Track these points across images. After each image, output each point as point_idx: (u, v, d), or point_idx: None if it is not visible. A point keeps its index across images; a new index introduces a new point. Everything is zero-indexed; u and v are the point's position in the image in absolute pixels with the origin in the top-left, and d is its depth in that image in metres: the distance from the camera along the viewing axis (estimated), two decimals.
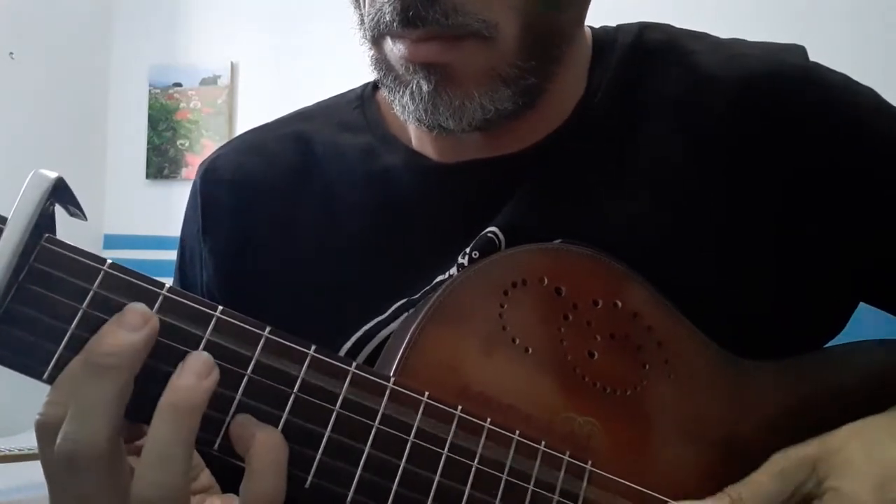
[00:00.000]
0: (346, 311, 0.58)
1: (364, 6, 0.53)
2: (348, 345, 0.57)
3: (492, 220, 0.57)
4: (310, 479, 0.43)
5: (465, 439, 0.45)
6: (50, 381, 0.41)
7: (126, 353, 0.40)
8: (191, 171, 3.05)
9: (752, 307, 0.56)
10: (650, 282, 0.53)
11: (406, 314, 0.55)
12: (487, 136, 0.58)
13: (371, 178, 0.62)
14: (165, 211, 3.04)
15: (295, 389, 0.43)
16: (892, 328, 0.63)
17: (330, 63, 2.33)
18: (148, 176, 3.18)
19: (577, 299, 0.51)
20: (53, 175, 0.41)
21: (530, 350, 0.50)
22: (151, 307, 0.42)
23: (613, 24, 0.64)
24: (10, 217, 0.40)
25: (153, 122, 3.17)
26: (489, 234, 0.56)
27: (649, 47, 0.61)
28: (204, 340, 0.42)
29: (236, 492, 0.43)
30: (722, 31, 0.64)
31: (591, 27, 0.63)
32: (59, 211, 0.44)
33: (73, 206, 0.44)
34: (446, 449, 0.45)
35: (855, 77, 0.60)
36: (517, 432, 0.47)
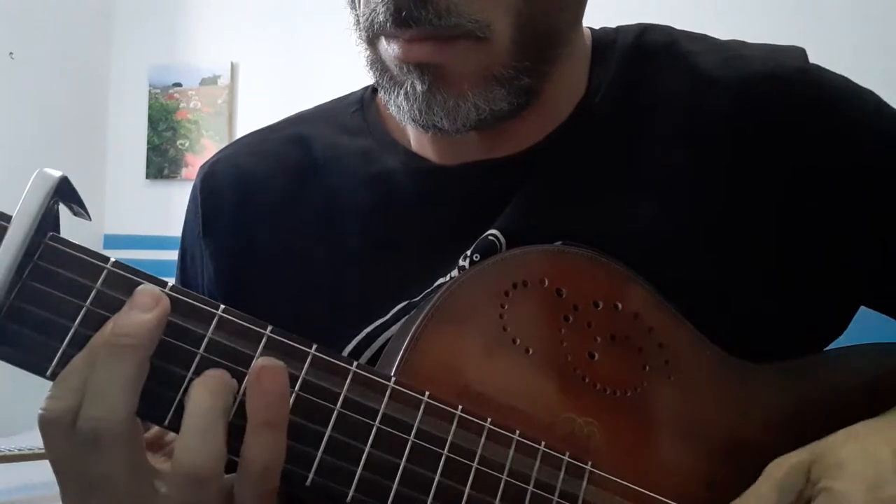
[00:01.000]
0: (346, 314, 0.58)
1: (359, 7, 0.53)
2: (350, 347, 0.57)
3: (492, 222, 0.57)
4: (311, 477, 0.43)
5: (466, 439, 0.45)
6: (54, 377, 0.41)
7: (141, 332, 0.40)
8: (191, 171, 3.05)
9: (752, 309, 0.56)
10: (651, 283, 0.53)
11: (407, 316, 0.55)
12: (488, 138, 0.58)
13: (371, 180, 0.62)
14: (165, 211, 3.04)
15: (296, 388, 0.43)
16: (893, 331, 0.63)
17: (330, 63, 2.33)
18: (148, 176, 3.18)
19: (578, 300, 0.51)
20: (58, 174, 0.42)
21: (531, 351, 0.50)
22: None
23: (613, 25, 0.65)
24: (14, 215, 0.40)
25: (153, 122, 3.18)
26: (490, 237, 0.56)
27: (649, 49, 0.61)
28: (206, 338, 0.43)
29: None
30: (722, 32, 0.64)
31: (590, 28, 0.64)
32: (61, 211, 0.44)
33: (77, 206, 0.44)
34: (446, 448, 0.45)
35: (855, 78, 0.61)
36: (517, 432, 0.47)
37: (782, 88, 0.57)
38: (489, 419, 0.46)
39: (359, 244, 0.61)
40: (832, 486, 0.47)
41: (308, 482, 0.43)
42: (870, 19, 2.19)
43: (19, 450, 2.28)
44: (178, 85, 3.16)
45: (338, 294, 0.60)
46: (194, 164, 3.04)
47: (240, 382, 0.43)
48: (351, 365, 0.45)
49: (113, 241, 3.13)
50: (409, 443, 0.44)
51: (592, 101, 0.60)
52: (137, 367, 0.40)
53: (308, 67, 2.87)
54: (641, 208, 0.57)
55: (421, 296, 0.57)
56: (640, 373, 0.51)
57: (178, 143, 3.14)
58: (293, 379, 0.43)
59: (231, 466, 0.42)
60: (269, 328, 0.44)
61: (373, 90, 0.67)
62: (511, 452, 0.46)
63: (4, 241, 0.40)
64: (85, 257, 0.42)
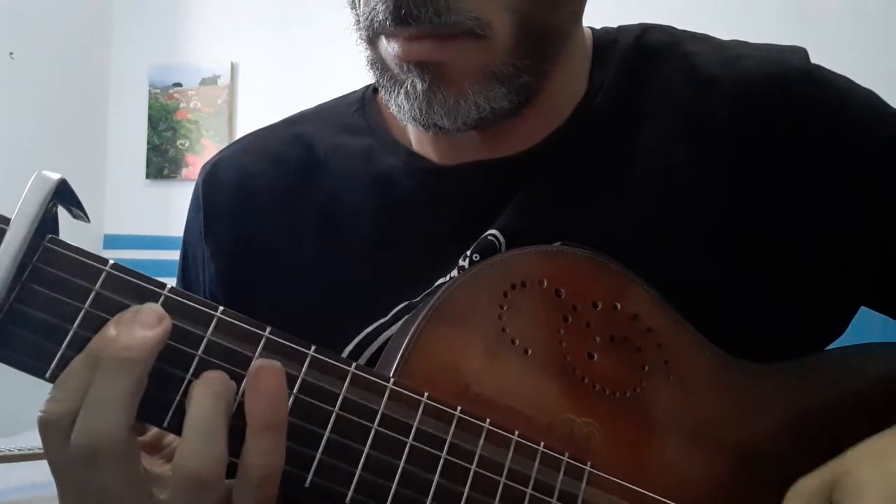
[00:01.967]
0: (347, 314, 0.58)
1: (359, 6, 0.53)
2: (350, 347, 0.57)
3: (492, 222, 0.57)
4: (309, 478, 0.43)
5: (465, 440, 0.45)
6: (52, 379, 0.41)
7: (143, 348, 0.40)
8: (191, 171, 3.05)
9: (752, 310, 0.56)
10: (651, 284, 0.53)
11: (407, 316, 0.55)
12: (488, 138, 0.58)
13: (372, 180, 0.62)
14: (165, 211, 3.05)
15: (295, 390, 0.43)
16: (894, 331, 0.63)
17: (330, 63, 2.33)
18: (148, 176, 3.18)
19: (577, 301, 0.51)
20: (56, 176, 0.42)
21: (530, 351, 0.50)
22: None
23: (614, 25, 0.65)
24: (13, 217, 0.40)
25: (153, 122, 3.18)
26: (490, 237, 0.56)
27: (650, 48, 0.61)
28: (205, 340, 0.43)
29: None
30: (723, 32, 0.64)
31: (591, 28, 0.64)
32: (60, 212, 0.44)
33: (76, 208, 0.44)
34: (445, 450, 0.45)
35: (855, 78, 0.61)
36: (516, 433, 0.47)
37: (783, 89, 0.57)
38: (488, 420, 0.46)
39: (359, 244, 0.61)
40: None
41: (307, 483, 0.43)
42: (870, 19, 2.19)
43: (19, 450, 2.28)
44: (178, 85, 3.16)
45: (338, 294, 0.60)
46: (194, 164, 3.04)
47: (239, 384, 0.43)
48: (349, 366, 0.45)
49: (113, 241, 3.13)
50: (408, 444, 0.44)
51: (593, 101, 0.60)
52: (135, 382, 0.40)
53: (308, 67, 2.87)
54: (642, 208, 0.57)
55: (421, 296, 0.57)
56: (640, 373, 0.51)
57: (178, 143, 3.14)
58: (292, 380, 0.43)
59: (230, 469, 0.42)
60: (268, 329, 0.44)
61: (373, 89, 0.67)
62: (510, 453, 0.46)
63: (3, 244, 0.40)
64: (84, 259, 0.42)
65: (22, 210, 0.40)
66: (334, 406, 0.44)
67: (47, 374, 0.41)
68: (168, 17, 3.20)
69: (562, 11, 0.54)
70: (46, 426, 0.41)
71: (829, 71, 0.60)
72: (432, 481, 0.44)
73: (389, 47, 0.52)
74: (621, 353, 0.51)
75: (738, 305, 0.55)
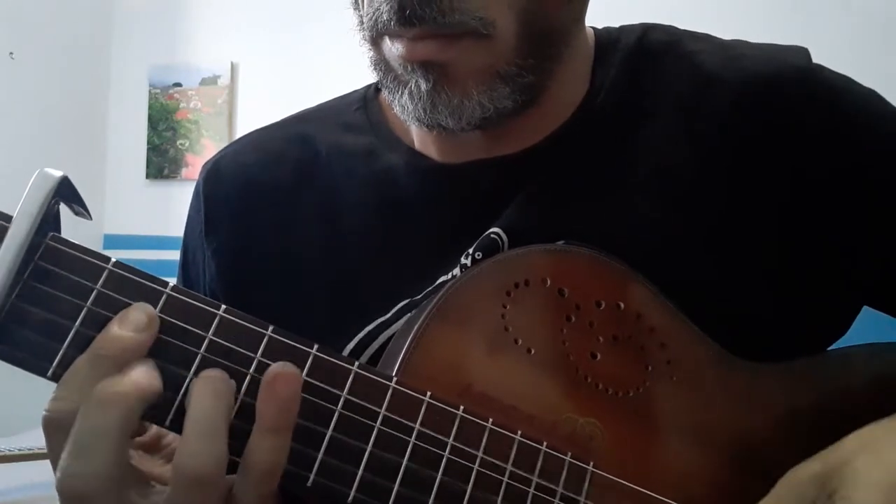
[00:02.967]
0: (348, 312, 0.58)
1: (363, 7, 0.53)
2: (351, 345, 0.57)
3: (495, 220, 0.57)
4: (312, 477, 0.43)
5: (467, 439, 0.45)
6: (55, 378, 0.41)
7: (127, 394, 0.40)
8: (191, 170, 3.05)
9: (753, 309, 0.56)
10: (653, 283, 0.53)
11: (409, 315, 0.55)
12: (490, 136, 0.58)
13: (373, 178, 0.62)
14: (165, 211, 3.04)
15: None
16: (894, 331, 0.63)
17: (330, 63, 2.33)
18: (148, 176, 3.18)
19: (580, 300, 0.51)
20: (58, 174, 0.42)
21: (533, 351, 0.50)
22: (155, 306, 0.42)
23: (616, 24, 0.65)
24: (15, 215, 0.40)
25: (153, 122, 3.18)
26: (492, 235, 0.56)
27: (652, 48, 0.61)
28: (207, 339, 0.43)
29: None
30: (723, 31, 0.64)
31: (593, 28, 0.64)
32: (61, 211, 0.44)
33: (78, 206, 0.44)
34: (448, 449, 0.45)
35: (855, 78, 0.60)
36: (519, 433, 0.47)
37: (784, 88, 0.57)
38: (491, 419, 0.46)
39: (361, 242, 0.61)
40: (850, 495, 0.46)
41: (309, 483, 0.43)
42: (870, 19, 2.19)
43: (19, 450, 2.27)
44: (178, 85, 3.16)
45: (340, 292, 0.60)
46: (194, 164, 3.04)
47: (240, 383, 0.43)
48: (352, 365, 0.45)
49: (113, 241, 3.13)
50: (411, 443, 0.44)
51: (595, 100, 0.60)
52: (124, 421, 0.40)
53: (308, 67, 2.87)
54: (644, 208, 0.57)
55: (422, 294, 0.57)
56: (643, 373, 0.51)
57: (178, 143, 3.13)
58: None
59: (230, 466, 0.42)
60: (271, 328, 0.44)
61: (375, 88, 0.67)
62: (513, 453, 0.46)
63: (5, 242, 0.40)
64: (86, 257, 0.42)
65: (24, 208, 0.40)
66: (337, 405, 0.44)
67: (49, 373, 0.41)
68: (168, 17, 3.20)
69: (565, 11, 0.55)
70: (50, 425, 0.40)
71: (830, 70, 0.60)
72: (435, 481, 0.44)
73: (393, 47, 0.52)
74: (624, 353, 0.51)
75: (739, 305, 0.55)
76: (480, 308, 0.50)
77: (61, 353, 0.41)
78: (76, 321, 0.41)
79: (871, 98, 0.60)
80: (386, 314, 0.57)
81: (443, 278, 0.57)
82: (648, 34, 0.62)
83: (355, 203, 0.62)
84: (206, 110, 3.10)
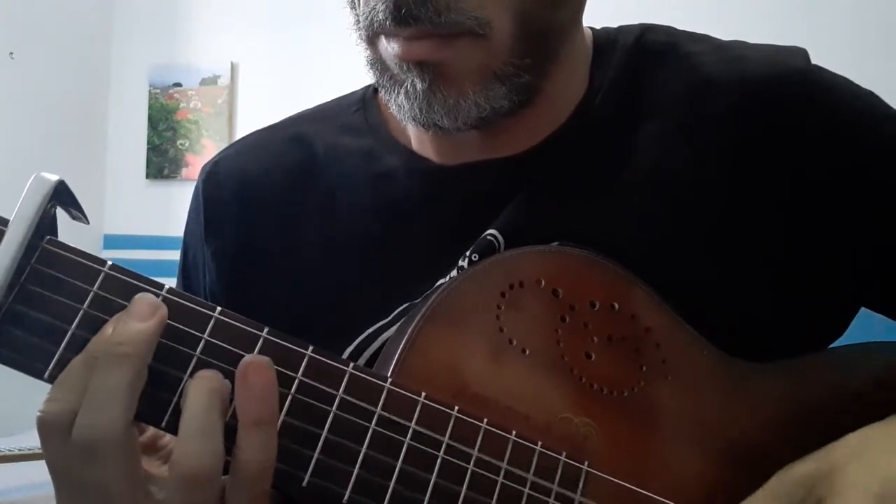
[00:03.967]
0: (347, 315, 0.58)
1: (359, 6, 0.53)
2: (350, 349, 0.57)
3: (492, 222, 0.57)
4: (307, 478, 0.43)
5: (462, 440, 0.46)
6: (51, 380, 0.41)
7: (138, 341, 0.40)
8: (191, 171, 3.05)
9: (752, 309, 0.56)
10: (653, 283, 0.53)
11: (405, 318, 0.55)
12: (487, 138, 0.58)
13: (372, 180, 0.62)
14: (165, 211, 3.04)
15: (292, 390, 0.44)
16: (894, 331, 0.63)
17: (330, 63, 2.33)
18: (148, 176, 3.18)
19: (575, 301, 0.51)
20: (55, 178, 0.42)
21: (527, 351, 0.50)
22: None
23: (614, 25, 0.65)
24: (12, 219, 0.41)
25: (153, 122, 3.18)
26: (489, 237, 0.56)
27: (650, 49, 0.61)
28: (203, 341, 0.43)
29: None
30: (723, 32, 0.64)
31: (591, 28, 0.64)
32: (59, 213, 0.44)
33: (75, 209, 0.44)
34: (443, 449, 0.45)
35: (855, 78, 0.61)
36: (513, 433, 0.47)
37: (783, 89, 0.57)
38: (485, 420, 0.46)
39: (360, 244, 0.61)
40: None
41: (304, 483, 0.43)
42: (870, 19, 2.19)
43: (19, 450, 2.28)
44: (178, 85, 3.16)
45: (339, 295, 0.60)
46: (194, 164, 3.04)
47: (234, 384, 0.43)
48: (347, 366, 0.45)
49: (113, 241, 3.13)
50: (406, 444, 0.45)
51: (593, 101, 0.60)
52: (134, 376, 0.40)
53: (308, 67, 2.87)
54: (642, 209, 0.57)
55: (422, 297, 0.57)
56: (638, 373, 0.51)
57: (178, 143, 3.13)
58: (289, 381, 0.44)
59: (225, 467, 0.42)
60: (266, 330, 0.44)
61: (374, 89, 0.67)
62: (507, 453, 0.46)
63: (2, 245, 0.40)
64: (82, 260, 0.42)
65: (20, 212, 0.41)
66: (332, 406, 0.44)
67: (45, 375, 0.41)
68: (168, 17, 3.20)
69: (562, 11, 0.54)
70: (45, 426, 0.41)
71: (829, 71, 0.60)
72: (430, 481, 0.45)
73: (389, 47, 0.52)
74: (619, 353, 0.51)
75: (738, 305, 0.55)
76: (475, 309, 0.50)
77: (57, 355, 0.41)
78: (72, 324, 0.41)
79: (869, 99, 0.60)
80: (385, 317, 0.57)
81: (441, 280, 0.57)
82: (647, 35, 0.62)
83: (354, 205, 0.62)
84: (206, 110, 3.10)
